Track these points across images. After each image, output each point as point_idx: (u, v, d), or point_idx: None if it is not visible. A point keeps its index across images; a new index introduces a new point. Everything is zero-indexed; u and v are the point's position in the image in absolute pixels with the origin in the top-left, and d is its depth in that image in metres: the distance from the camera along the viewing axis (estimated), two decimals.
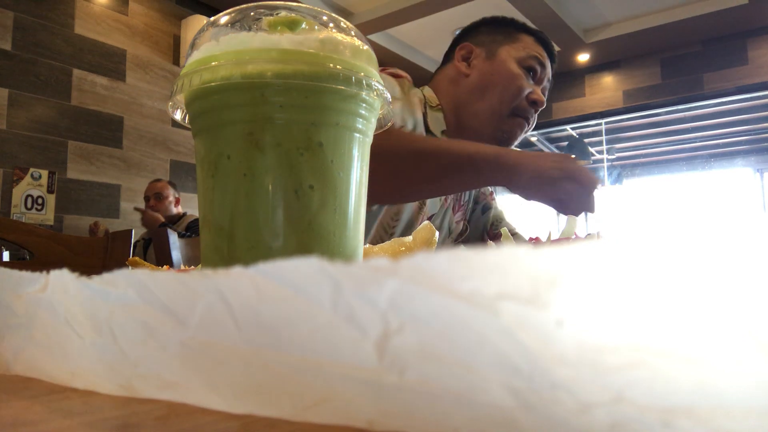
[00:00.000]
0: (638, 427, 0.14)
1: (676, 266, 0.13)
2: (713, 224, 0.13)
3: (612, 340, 0.14)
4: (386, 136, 0.73)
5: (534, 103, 1.03)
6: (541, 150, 5.61)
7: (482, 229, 1.18)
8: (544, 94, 1.07)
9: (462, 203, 1.17)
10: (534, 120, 1.06)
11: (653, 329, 0.13)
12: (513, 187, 0.78)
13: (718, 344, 0.13)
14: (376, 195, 0.79)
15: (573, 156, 0.79)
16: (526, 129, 1.06)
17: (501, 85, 1.01)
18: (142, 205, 3.04)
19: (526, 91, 1.02)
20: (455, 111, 1.05)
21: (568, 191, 0.75)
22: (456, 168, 0.76)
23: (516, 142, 1.07)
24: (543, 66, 1.04)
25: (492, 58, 1.05)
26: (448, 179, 0.78)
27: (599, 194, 0.78)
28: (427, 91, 1.08)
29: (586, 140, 5.24)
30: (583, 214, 0.78)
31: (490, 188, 1.23)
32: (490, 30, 1.09)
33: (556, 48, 1.12)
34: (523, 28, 1.07)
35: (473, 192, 1.20)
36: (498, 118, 1.02)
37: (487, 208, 1.21)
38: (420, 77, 1.12)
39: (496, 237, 1.16)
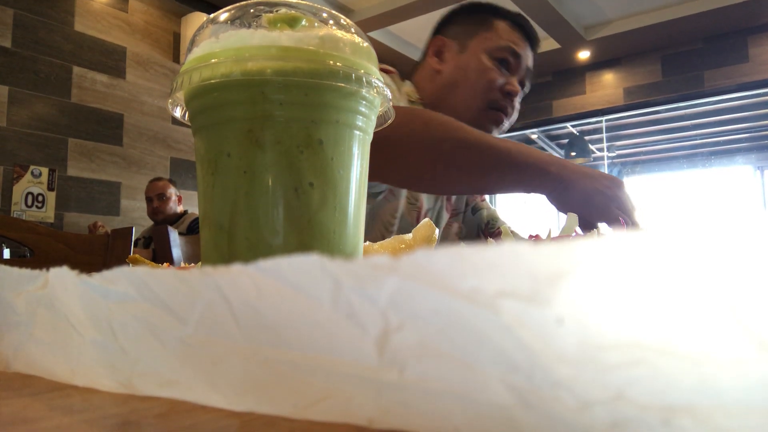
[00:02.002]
0: (638, 425, 0.14)
1: (676, 264, 0.13)
2: (713, 222, 0.13)
3: (612, 338, 0.14)
4: (427, 124, 0.72)
5: (509, 94, 1.00)
6: (543, 148, 5.61)
7: (477, 229, 1.18)
8: (524, 83, 1.03)
9: (452, 200, 1.16)
10: (513, 112, 1.03)
11: (654, 327, 0.13)
12: (553, 199, 0.74)
13: (719, 342, 0.13)
14: (410, 180, 0.77)
15: (622, 181, 0.75)
16: (504, 122, 1.03)
17: (471, 80, 0.99)
18: (143, 203, 3.04)
19: (498, 84, 0.99)
20: (434, 107, 1.03)
21: (604, 211, 0.71)
22: (501, 166, 0.72)
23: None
24: (517, 55, 1.00)
25: (463, 51, 1.02)
26: (490, 176, 0.74)
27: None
28: (408, 86, 1.07)
29: (587, 138, 5.24)
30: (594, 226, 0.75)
31: None
32: (464, 19, 1.05)
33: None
34: (499, 13, 1.03)
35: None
36: (473, 112, 0.99)
37: (477, 209, 1.20)
38: None
39: (492, 235, 1.15)
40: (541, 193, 0.75)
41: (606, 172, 5.04)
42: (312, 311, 0.17)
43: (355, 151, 0.34)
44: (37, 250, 0.99)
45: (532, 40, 1.05)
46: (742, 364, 0.13)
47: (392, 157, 0.70)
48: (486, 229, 1.17)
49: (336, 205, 0.33)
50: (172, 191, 2.98)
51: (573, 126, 5.06)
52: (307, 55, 0.32)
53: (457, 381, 0.15)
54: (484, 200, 1.22)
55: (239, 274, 0.18)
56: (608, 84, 4.52)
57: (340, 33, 0.34)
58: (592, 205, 0.71)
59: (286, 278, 0.17)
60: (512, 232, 1.11)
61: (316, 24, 0.34)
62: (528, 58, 1.03)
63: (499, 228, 1.16)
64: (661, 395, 0.14)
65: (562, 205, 0.74)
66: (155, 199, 2.93)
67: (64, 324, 0.23)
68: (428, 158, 0.72)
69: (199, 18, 3.61)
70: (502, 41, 1.00)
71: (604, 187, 0.73)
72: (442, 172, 0.72)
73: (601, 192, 0.72)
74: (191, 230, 2.85)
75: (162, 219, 2.89)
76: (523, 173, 0.73)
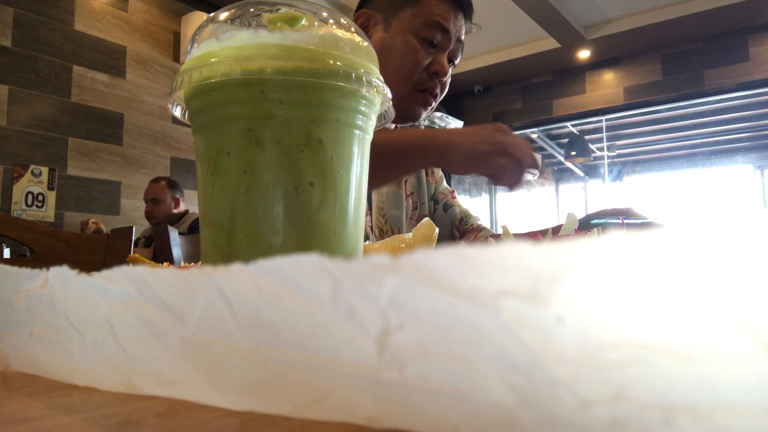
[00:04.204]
0: (638, 424, 0.14)
1: (676, 263, 0.13)
2: (713, 221, 0.13)
3: (612, 337, 0.14)
4: None
5: (435, 74, 0.95)
6: (543, 147, 5.61)
7: (450, 226, 1.16)
8: (455, 57, 0.98)
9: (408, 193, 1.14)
10: (441, 92, 0.99)
11: (653, 326, 0.13)
12: (447, 166, 0.76)
13: (719, 342, 0.13)
14: None
15: (504, 125, 0.77)
16: (432, 104, 0.99)
17: (395, 62, 0.93)
18: (143, 203, 3.04)
19: (424, 64, 0.94)
20: None
21: (501, 165, 0.73)
22: (388, 157, 0.75)
23: (422, 119, 1.01)
24: (445, 31, 0.94)
25: (388, 29, 0.96)
26: (383, 170, 0.76)
27: (534, 168, 0.75)
28: None
29: (587, 137, 5.24)
30: (516, 189, 0.77)
31: (449, 187, 1.22)
32: None
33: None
34: None
35: (429, 191, 1.18)
36: (399, 96, 0.94)
37: (448, 206, 1.18)
38: None
39: (466, 232, 1.13)
40: (436, 165, 0.79)
41: (606, 171, 4.98)
42: (312, 311, 0.17)
43: (355, 150, 0.34)
44: (37, 249, 0.99)
45: (466, 8, 0.97)
46: (742, 364, 0.13)
47: None
48: (460, 226, 1.15)
49: (336, 204, 0.33)
50: (167, 195, 2.97)
51: (573, 125, 5.05)
52: (307, 55, 0.32)
53: (457, 380, 0.15)
54: (455, 197, 1.20)
55: (239, 273, 0.18)
56: (608, 83, 4.51)
57: (339, 32, 0.34)
58: (475, 157, 0.74)
59: (286, 278, 0.17)
60: (482, 228, 1.11)
61: (315, 23, 0.34)
62: (460, 30, 0.97)
63: (471, 225, 1.14)
64: (661, 394, 0.14)
65: (451, 167, 0.76)
66: (149, 202, 2.95)
67: (64, 323, 0.23)
68: None
69: (199, 17, 3.61)
70: (429, 17, 0.93)
71: (482, 137, 0.74)
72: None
73: (479, 143, 0.74)
74: (192, 230, 2.85)
75: (156, 222, 2.90)
76: (413, 154, 0.77)
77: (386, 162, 0.76)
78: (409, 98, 0.97)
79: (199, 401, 0.21)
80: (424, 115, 1.00)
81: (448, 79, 0.99)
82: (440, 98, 1.01)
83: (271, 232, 0.32)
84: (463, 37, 0.99)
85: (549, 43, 4.14)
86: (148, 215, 2.96)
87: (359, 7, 1.03)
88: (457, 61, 1.00)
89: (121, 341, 0.21)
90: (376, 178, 0.80)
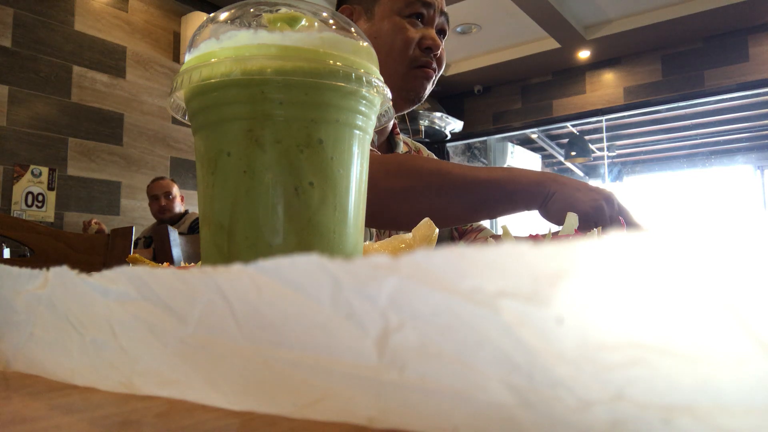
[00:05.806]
0: (638, 424, 0.14)
1: (676, 263, 0.13)
2: (713, 222, 0.13)
3: (612, 337, 0.14)
4: (418, 175, 0.75)
5: (428, 49, 0.95)
6: (543, 148, 5.61)
7: (450, 228, 1.15)
8: (443, 31, 0.99)
9: None
10: (440, 62, 0.99)
11: (653, 327, 0.13)
12: (545, 213, 0.76)
13: (719, 342, 0.13)
14: (404, 226, 0.80)
15: (611, 193, 0.77)
16: (432, 78, 0.99)
17: (387, 46, 0.94)
18: (143, 203, 3.04)
19: (415, 41, 0.95)
20: None
21: (584, 228, 0.73)
22: (492, 198, 0.76)
23: (426, 94, 1.01)
24: (428, 5, 0.95)
25: (371, 18, 0.97)
26: (483, 210, 0.78)
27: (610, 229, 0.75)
28: None
29: (587, 137, 5.23)
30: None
31: None
32: None
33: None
34: None
35: None
36: (398, 77, 0.95)
37: None
38: None
39: (465, 233, 1.12)
40: (532, 209, 0.78)
41: (606, 172, 4.97)
42: (312, 311, 0.17)
43: (355, 150, 0.34)
44: (37, 249, 0.99)
45: None
46: (742, 364, 0.13)
47: (385, 209, 0.74)
48: (459, 227, 1.14)
49: (336, 204, 0.33)
50: (176, 190, 2.99)
51: (573, 125, 5.05)
52: (307, 55, 0.32)
53: (456, 380, 0.15)
54: None
55: (239, 273, 0.18)
56: (608, 83, 4.51)
57: (340, 32, 0.34)
58: (569, 209, 0.74)
59: (286, 278, 0.17)
60: (481, 229, 1.11)
61: (316, 24, 0.34)
62: (441, 2, 0.98)
63: (471, 225, 1.13)
64: (661, 395, 0.14)
65: (547, 214, 0.76)
66: (162, 197, 2.93)
67: (64, 323, 0.23)
68: (423, 207, 0.75)
69: (199, 17, 3.61)
70: None
71: (589, 197, 0.74)
72: (436, 215, 0.76)
73: (584, 202, 0.74)
74: (192, 230, 2.85)
75: (169, 218, 2.89)
76: (514, 198, 0.76)
77: (491, 201, 0.76)
78: (409, 77, 0.97)
79: (199, 401, 0.21)
80: (428, 89, 1.00)
81: (443, 55, 0.99)
82: (439, 73, 1.01)
83: (271, 233, 0.32)
84: (445, 9, 0.99)
85: (549, 43, 4.14)
86: (162, 210, 2.93)
87: (339, 4, 1.04)
88: (446, 35, 1.01)
89: (121, 341, 0.21)
90: (479, 213, 0.79)
